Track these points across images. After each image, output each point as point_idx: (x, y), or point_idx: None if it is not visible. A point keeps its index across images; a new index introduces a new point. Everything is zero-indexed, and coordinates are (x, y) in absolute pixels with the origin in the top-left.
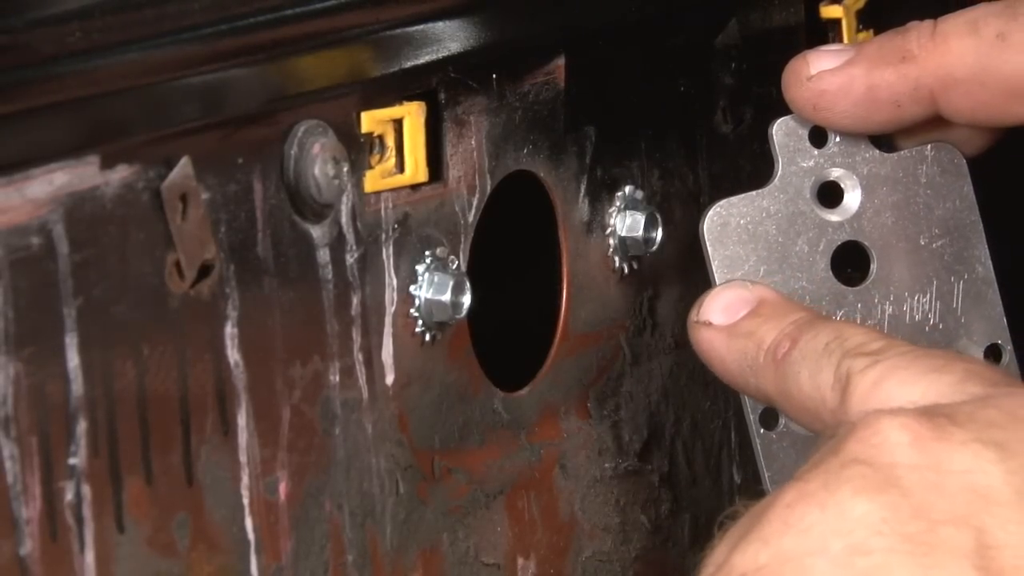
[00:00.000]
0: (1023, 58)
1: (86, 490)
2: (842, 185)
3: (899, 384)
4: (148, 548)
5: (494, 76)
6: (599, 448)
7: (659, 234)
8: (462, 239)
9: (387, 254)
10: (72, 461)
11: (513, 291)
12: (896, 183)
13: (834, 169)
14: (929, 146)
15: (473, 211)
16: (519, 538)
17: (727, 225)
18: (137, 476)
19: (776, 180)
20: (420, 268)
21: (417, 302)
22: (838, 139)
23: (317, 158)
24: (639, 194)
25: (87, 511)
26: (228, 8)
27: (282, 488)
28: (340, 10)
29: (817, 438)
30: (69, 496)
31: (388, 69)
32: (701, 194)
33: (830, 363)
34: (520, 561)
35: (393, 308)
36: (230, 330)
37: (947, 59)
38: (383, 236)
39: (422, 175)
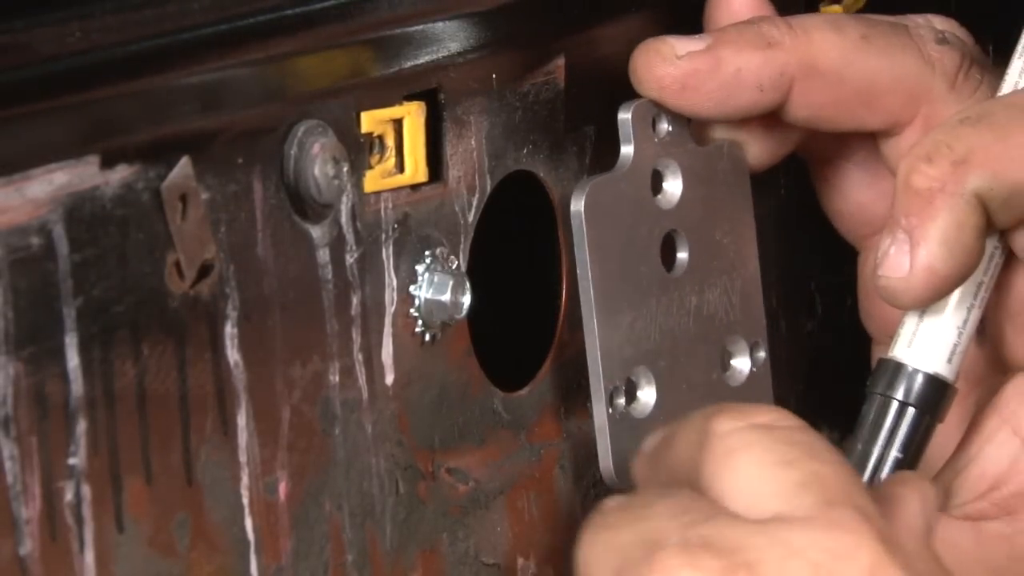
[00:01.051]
0: (884, 62)
1: (86, 490)
2: (670, 175)
3: (749, 465)
4: (148, 548)
5: (494, 76)
6: None
7: None
8: (462, 239)
9: (387, 254)
10: (72, 461)
11: (513, 291)
12: (703, 177)
13: (666, 158)
14: (726, 143)
15: (473, 211)
16: (519, 538)
17: (596, 205)
18: (137, 476)
19: (630, 164)
20: (420, 268)
21: (417, 302)
22: (669, 128)
23: (317, 158)
24: None
25: (87, 511)
26: (228, 8)
27: (282, 488)
28: (339, 10)
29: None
30: (69, 496)
31: (388, 69)
32: None
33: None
34: (520, 561)
35: (393, 308)
36: (230, 330)
37: (811, 49)
38: (383, 236)
39: (422, 175)
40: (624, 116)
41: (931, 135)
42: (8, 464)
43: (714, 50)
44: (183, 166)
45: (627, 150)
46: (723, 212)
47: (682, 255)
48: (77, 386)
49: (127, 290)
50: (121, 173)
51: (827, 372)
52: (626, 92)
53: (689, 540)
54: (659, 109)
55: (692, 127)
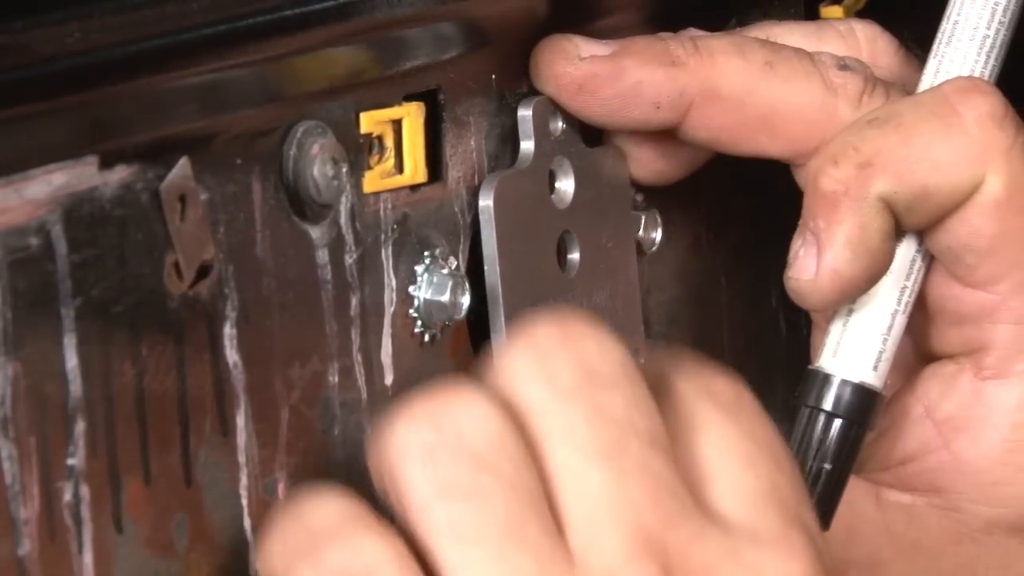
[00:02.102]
0: (786, 89)
1: (84, 490)
2: (563, 175)
3: (717, 456)
4: (147, 549)
5: (493, 77)
6: None
7: (659, 235)
8: (461, 239)
9: (386, 254)
10: (70, 461)
11: None
12: (591, 179)
13: (560, 157)
14: (613, 148)
15: (472, 211)
16: None
17: (504, 200)
18: (136, 477)
19: (530, 161)
20: (419, 268)
21: (416, 302)
22: (563, 126)
23: (316, 159)
24: (639, 196)
25: (86, 511)
26: (227, 8)
27: (281, 489)
28: (338, 10)
29: None
30: (67, 496)
31: (387, 70)
32: (700, 194)
33: None
34: None
35: (392, 308)
36: (229, 331)
37: (714, 73)
38: (382, 237)
39: (421, 176)
40: (524, 113)
41: (840, 136)
42: (6, 464)
43: (617, 58)
44: (182, 167)
45: (527, 146)
46: (608, 216)
47: (574, 256)
48: (76, 386)
49: (126, 291)
50: (120, 174)
51: None
52: None
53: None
54: (556, 107)
55: (584, 128)
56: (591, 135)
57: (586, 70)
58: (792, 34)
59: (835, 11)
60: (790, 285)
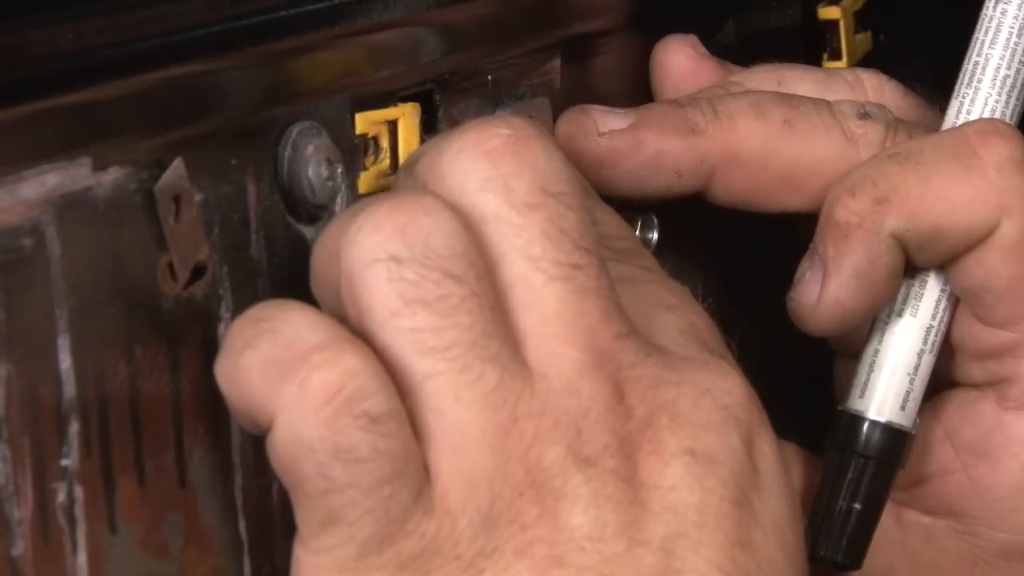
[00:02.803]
0: (806, 146)
1: (78, 491)
2: None
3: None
4: (141, 549)
5: (489, 78)
6: None
7: (655, 236)
8: None
9: None
10: (64, 462)
11: None
12: None
13: None
14: None
15: None
16: None
17: None
18: (130, 477)
19: None
20: None
21: None
22: None
23: (311, 159)
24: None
25: (79, 512)
26: (222, 9)
27: (275, 489)
28: (333, 11)
29: None
30: (61, 497)
31: (382, 71)
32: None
33: None
34: None
35: None
36: (223, 331)
37: (734, 138)
38: None
39: None
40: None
41: (861, 167)
42: (0, 465)
43: (636, 130)
44: (176, 167)
45: None
46: None
47: None
48: (69, 387)
49: (120, 291)
50: (114, 174)
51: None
52: (621, 93)
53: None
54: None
55: None
56: None
57: (605, 146)
58: (803, 82)
59: (833, 12)
60: (791, 306)
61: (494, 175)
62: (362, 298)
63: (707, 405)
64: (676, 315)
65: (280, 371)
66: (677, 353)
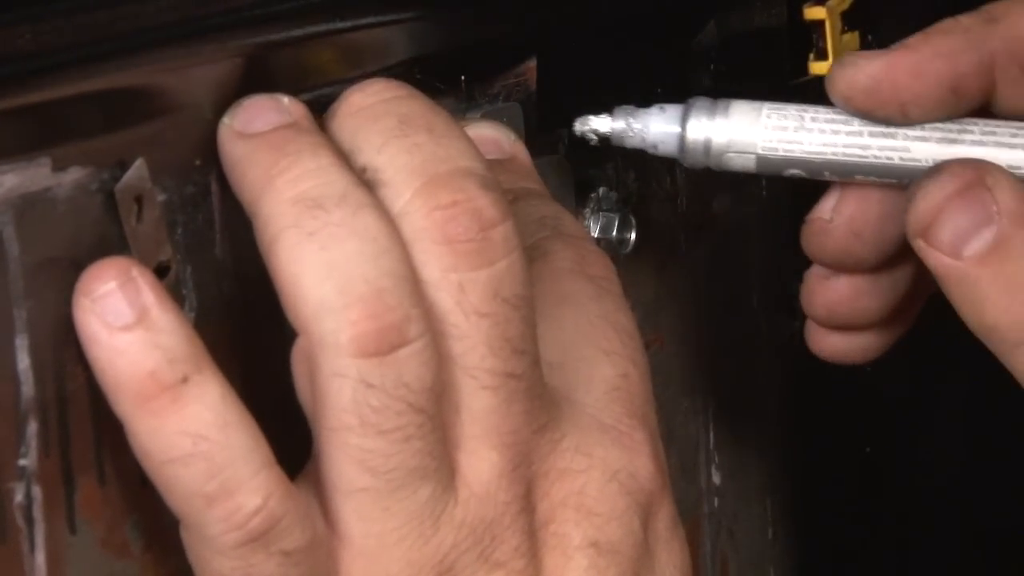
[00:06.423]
0: None
1: (37, 491)
2: None
3: None
4: (101, 549)
5: (463, 78)
6: None
7: (633, 236)
8: None
9: None
10: (22, 462)
11: None
12: None
13: None
14: (557, 157)
15: None
16: None
17: None
18: (90, 477)
19: None
20: None
21: None
22: None
23: None
24: (613, 196)
25: (38, 512)
26: (186, 10)
27: None
28: (304, 11)
29: None
30: (19, 497)
31: (353, 71)
32: (679, 196)
33: None
34: None
35: None
36: None
37: (1013, 32)
38: None
39: None
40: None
41: None
42: None
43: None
44: (138, 168)
45: None
46: None
47: None
48: (28, 387)
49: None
50: (74, 175)
51: (814, 373)
52: (597, 92)
53: None
54: None
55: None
56: (539, 147)
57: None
58: None
59: (819, 12)
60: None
61: (452, 271)
62: (319, 395)
63: (613, 491)
64: (612, 363)
65: (208, 500)
66: (594, 422)
